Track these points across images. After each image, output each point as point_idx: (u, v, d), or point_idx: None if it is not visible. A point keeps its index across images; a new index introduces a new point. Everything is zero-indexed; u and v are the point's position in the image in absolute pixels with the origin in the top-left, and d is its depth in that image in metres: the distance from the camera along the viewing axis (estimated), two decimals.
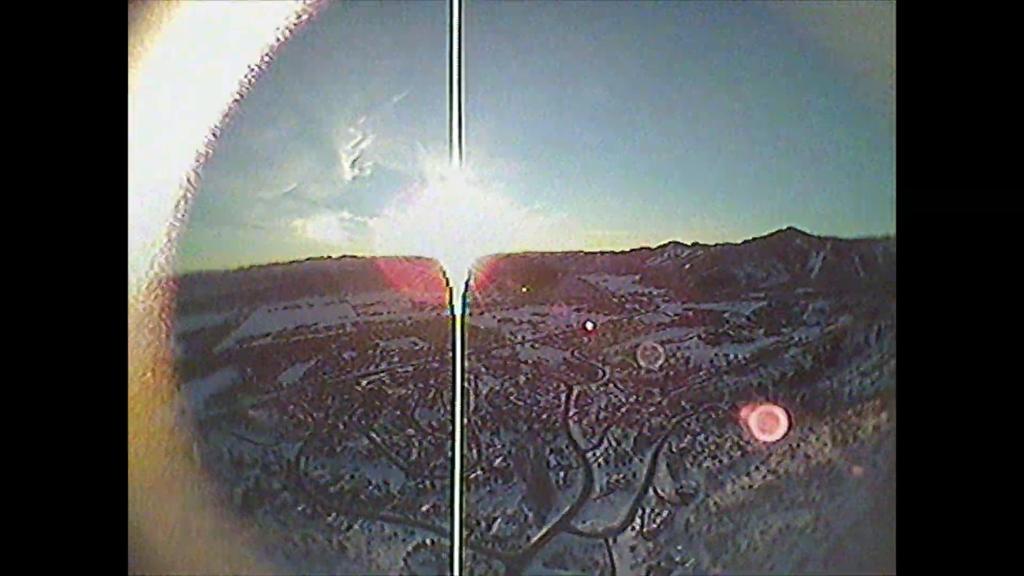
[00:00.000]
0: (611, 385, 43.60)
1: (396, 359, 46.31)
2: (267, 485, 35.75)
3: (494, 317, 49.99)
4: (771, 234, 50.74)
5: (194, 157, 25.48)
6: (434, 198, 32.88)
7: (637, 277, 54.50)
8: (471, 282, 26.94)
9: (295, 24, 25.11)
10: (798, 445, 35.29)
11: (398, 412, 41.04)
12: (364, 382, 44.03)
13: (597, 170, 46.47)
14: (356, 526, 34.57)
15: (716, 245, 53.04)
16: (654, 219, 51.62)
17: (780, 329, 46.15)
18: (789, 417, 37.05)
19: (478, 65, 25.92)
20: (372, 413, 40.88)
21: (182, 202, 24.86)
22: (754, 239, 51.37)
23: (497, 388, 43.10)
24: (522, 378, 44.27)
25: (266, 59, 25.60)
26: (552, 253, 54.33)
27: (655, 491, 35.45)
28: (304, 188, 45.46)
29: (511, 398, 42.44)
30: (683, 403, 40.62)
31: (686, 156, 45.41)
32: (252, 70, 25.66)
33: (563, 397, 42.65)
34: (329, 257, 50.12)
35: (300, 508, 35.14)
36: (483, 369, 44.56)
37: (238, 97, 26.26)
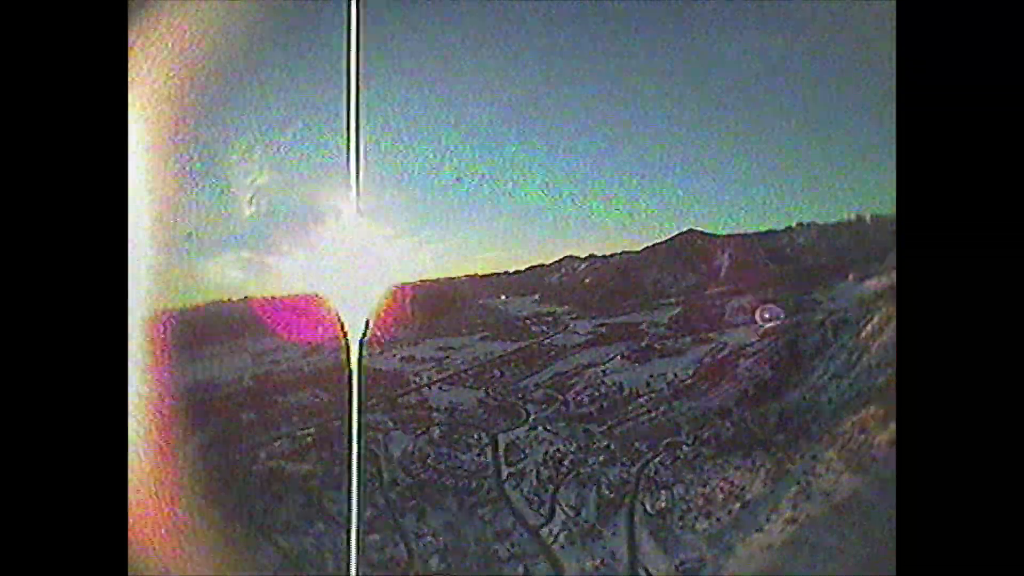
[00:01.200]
0: (541, 429, 34.43)
1: (296, 419, 36.53)
2: None
3: (396, 356, 40.88)
4: (672, 238, 42.54)
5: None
6: (329, 233, 29.33)
7: (537, 296, 45.33)
8: (370, 320, 24.49)
9: (191, 56, 23.79)
10: (808, 482, 27.33)
11: (303, 498, 31.45)
12: (263, 455, 34.30)
13: (484, 192, 38.25)
14: None
15: (613, 255, 44.55)
16: (546, 236, 42.81)
17: (707, 334, 38.64)
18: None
19: (371, 89, 24.43)
20: (273, 504, 31.19)
21: None
22: (654, 245, 43.09)
23: (410, 448, 33.68)
24: (436, 432, 35.04)
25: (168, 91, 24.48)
26: (447, 279, 43.33)
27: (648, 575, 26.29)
28: (204, 229, 35.74)
29: (428, 461, 33.19)
30: (636, 444, 31.91)
31: (574, 169, 38.07)
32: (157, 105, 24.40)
33: (489, 452, 33.71)
34: (230, 300, 39.62)
35: None
36: (391, 423, 35.42)
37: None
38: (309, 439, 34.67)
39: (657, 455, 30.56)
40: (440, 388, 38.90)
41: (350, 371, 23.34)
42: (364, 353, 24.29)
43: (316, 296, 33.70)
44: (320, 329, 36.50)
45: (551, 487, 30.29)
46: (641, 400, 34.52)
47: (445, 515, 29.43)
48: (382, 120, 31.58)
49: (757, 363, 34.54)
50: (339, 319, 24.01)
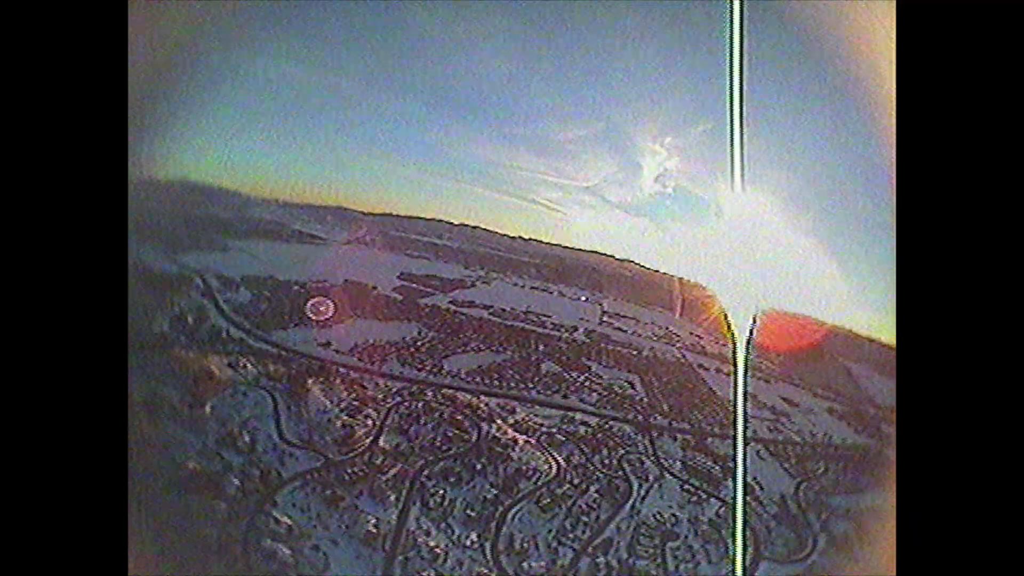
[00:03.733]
0: None
1: (593, 396, 27.47)
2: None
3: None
4: None
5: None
6: (725, 233, 23.72)
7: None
8: (755, 332, 18.93)
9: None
10: None
11: (513, 503, 22.60)
12: (519, 415, 25.44)
13: (882, 245, 31.13)
14: None
15: None
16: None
17: None
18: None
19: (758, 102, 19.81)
20: (456, 479, 22.70)
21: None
22: None
23: (633, 509, 22.09)
24: (687, 511, 23.03)
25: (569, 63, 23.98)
26: (822, 323, 34.59)
27: None
28: (603, 187, 38.64)
29: (630, 546, 21.56)
30: None
31: None
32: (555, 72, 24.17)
33: None
34: (612, 256, 38.99)
35: None
36: (646, 473, 24.30)
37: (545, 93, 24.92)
38: (584, 430, 25.74)
39: None
40: (756, 453, 27.50)
41: (735, 379, 18.72)
42: (751, 356, 19.23)
43: (706, 290, 31.00)
44: (703, 323, 34.05)
45: None
46: None
47: None
48: (780, 138, 28.88)
49: None
50: (727, 323, 19.44)
